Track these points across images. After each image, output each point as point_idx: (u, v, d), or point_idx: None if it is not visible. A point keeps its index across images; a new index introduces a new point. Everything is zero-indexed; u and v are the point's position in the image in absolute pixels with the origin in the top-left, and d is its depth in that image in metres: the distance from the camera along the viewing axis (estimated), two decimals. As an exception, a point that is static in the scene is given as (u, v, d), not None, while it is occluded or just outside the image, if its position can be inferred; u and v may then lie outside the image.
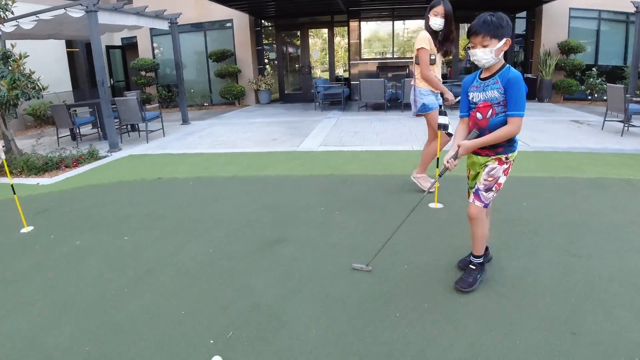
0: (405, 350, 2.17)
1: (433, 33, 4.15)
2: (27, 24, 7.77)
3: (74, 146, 8.08)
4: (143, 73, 14.55)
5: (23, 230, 4.09)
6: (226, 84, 13.84)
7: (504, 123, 2.42)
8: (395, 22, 13.32)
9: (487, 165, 2.55)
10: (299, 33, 14.72)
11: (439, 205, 4.13)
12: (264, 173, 5.67)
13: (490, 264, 2.95)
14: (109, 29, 10.15)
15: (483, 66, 2.45)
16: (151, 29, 13.87)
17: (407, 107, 10.49)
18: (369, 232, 3.58)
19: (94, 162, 6.93)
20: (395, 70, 12.75)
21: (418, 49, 4.13)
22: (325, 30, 14.49)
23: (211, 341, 2.32)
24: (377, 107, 11.45)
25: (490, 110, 2.45)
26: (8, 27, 7.92)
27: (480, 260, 2.75)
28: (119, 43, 16.56)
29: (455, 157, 2.57)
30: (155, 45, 14.99)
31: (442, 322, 2.38)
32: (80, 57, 14.56)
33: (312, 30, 14.80)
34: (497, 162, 2.53)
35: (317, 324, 2.42)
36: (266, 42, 14.89)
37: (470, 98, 2.56)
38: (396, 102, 11.31)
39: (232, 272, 3.04)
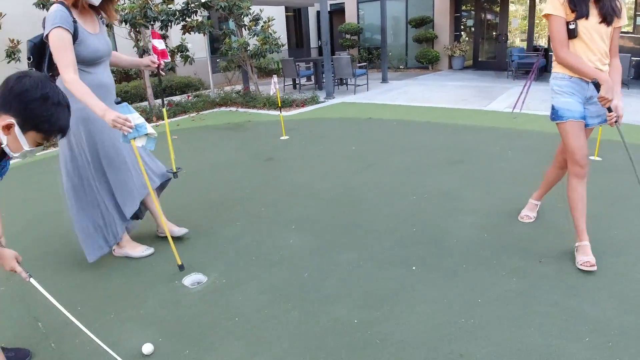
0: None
1: None
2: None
3: (296, 93, 10.30)
4: (348, 36, 16.52)
5: (282, 138, 6.20)
6: (422, 49, 14.90)
7: None
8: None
9: None
10: (499, 0, 14.79)
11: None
12: (452, 122, 6.81)
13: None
14: (330, -2, 12.12)
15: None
16: (359, -3, 15.65)
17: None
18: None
19: (315, 105, 8.96)
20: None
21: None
22: (529, -2, 14.30)
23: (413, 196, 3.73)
24: (573, 79, 11.27)
25: None
26: (254, -6, 10.20)
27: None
28: (328, 9, 18.83)
29: None
30: (360, 11, 16.79)
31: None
32: (291, 20, 17.21)
33: (515, -3, 14.75)
34: None
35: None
36: (465, 9, 15.35)
37: None
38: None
39: (426, 172, 4.41)
